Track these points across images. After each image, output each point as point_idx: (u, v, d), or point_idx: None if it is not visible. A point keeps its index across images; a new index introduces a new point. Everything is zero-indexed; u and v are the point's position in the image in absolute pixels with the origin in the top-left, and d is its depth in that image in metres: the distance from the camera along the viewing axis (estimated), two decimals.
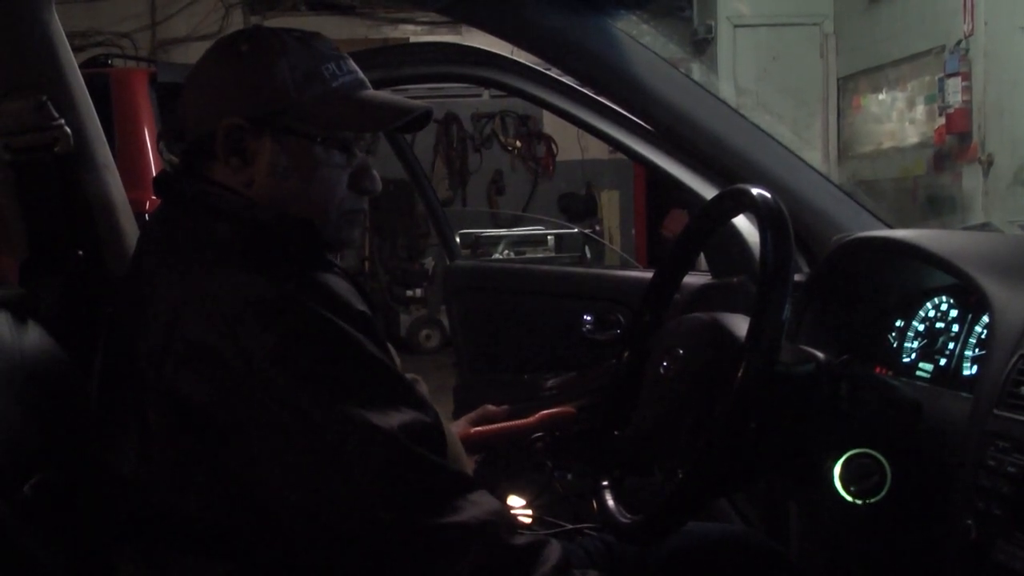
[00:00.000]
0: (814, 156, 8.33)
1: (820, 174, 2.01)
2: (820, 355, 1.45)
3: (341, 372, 1.25)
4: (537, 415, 1.79)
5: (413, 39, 9.20)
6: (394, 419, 1.24)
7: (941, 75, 7.74)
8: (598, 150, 9.04)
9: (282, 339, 1.24)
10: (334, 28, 9.53)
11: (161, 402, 1.26)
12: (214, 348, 1.24)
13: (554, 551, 1.27)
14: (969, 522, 1.24)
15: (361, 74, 1.45)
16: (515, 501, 1.75)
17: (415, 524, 1.22)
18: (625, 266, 8.08)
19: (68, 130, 1.60)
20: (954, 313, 1.65)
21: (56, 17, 1.70)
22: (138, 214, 1.80)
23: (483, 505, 1.25)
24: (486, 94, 9.58)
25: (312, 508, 1.23)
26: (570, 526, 1.69)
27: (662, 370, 1.53)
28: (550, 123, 9.64)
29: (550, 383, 2.14)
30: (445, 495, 1.24)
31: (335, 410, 1.22)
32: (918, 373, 1.67)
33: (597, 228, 9.68)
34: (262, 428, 1.23)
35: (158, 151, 1.60)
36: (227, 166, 1.39)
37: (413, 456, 1.24)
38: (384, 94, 1.47)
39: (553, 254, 8.14)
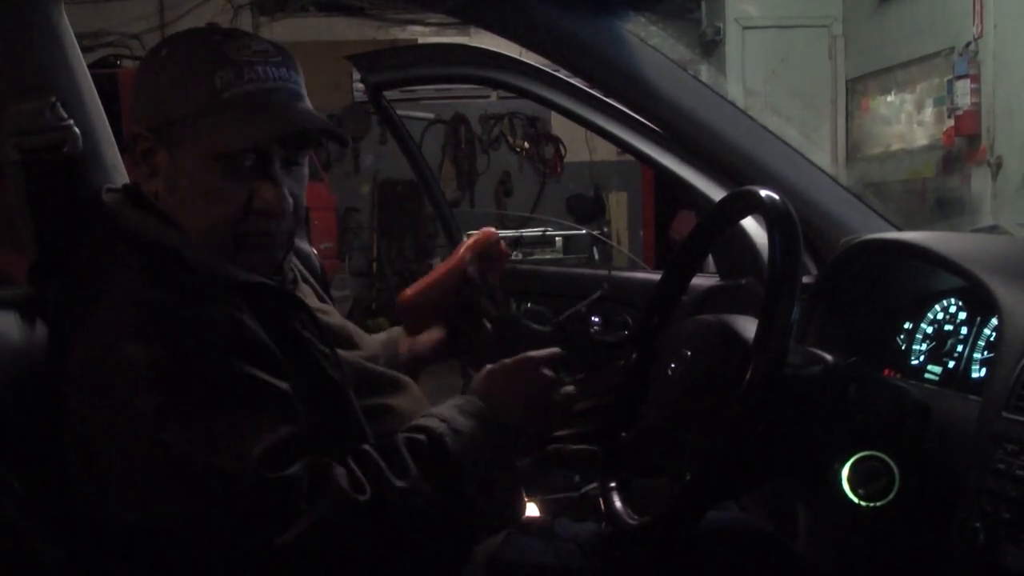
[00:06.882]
0: (822, 158, 8.32)
1: (828, 176, 2.01)
2: (828, 357, 1.44)
3: (200, 396, 1.24)
4: (462, 248, 1.78)
5: (422, 40, 9.21)
6: (259, 446, 1.23)
7: (950, 77, 7.73)
8: (606, 152, 9.04)
9: (143, 364, 1.24)
10: (343, 29, 9.54)
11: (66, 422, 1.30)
12: (91, 369, 1.26)
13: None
14: (977, 525, 1.24)
15: (279, 82, 1.38)
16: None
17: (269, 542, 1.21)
18: (633, 267, 8.08)
19: (77, 131, 1.60)
20: (963, 315, 1.65)
21: (65, 18, 1.70)
22: None
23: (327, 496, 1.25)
24: (494, 95, 9.59)
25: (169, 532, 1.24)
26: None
27: (670, 372, 1.53)
28: (558, 125, 9.65)
29: None
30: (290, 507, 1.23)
31: (192, 441, 1.22)
32: (926, 375, 1.67)
33: (605, 230, 9.68)
34: (123, 454, 1.24)
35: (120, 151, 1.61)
36: (143, 175, 1.41)
37: (268, 483, 1.22)
38: (291, 106, 1.40)
39: (561, 255, 8.14)
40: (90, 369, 1.27)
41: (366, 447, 1.35)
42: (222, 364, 1.26)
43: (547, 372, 1.51)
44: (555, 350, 1.55)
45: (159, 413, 1.22)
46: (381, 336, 1.81)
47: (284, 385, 1.31)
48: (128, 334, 1.26)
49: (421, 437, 1.36)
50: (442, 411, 1.43)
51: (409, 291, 1.70)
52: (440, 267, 1.75)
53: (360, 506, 1.26)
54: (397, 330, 1.83)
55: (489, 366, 1.52)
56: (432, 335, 1.77)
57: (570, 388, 1.53)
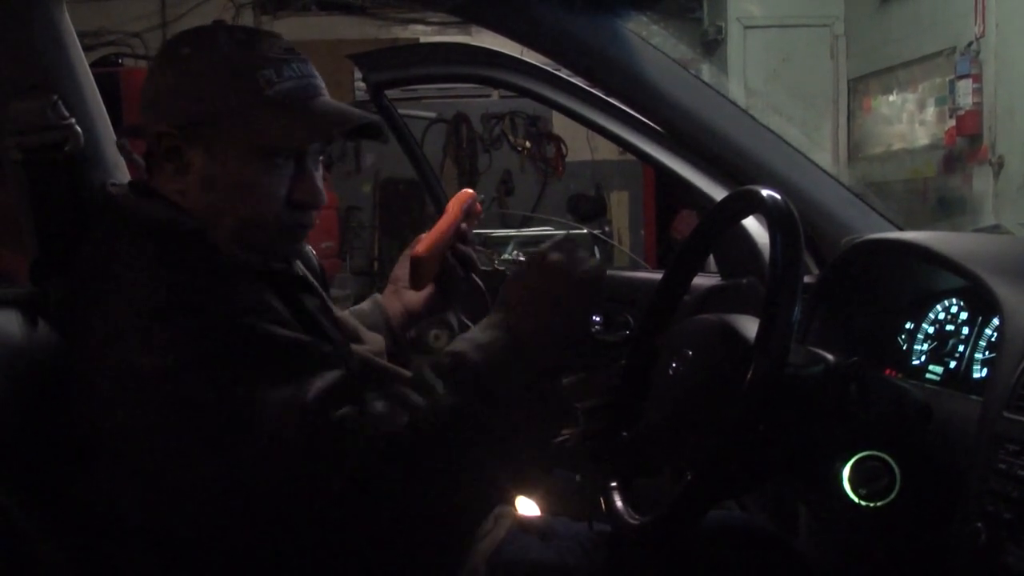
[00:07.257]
0: (824, 158, 8.32)
1: (830, 176, 2.01)
2: (829, 357, 1.44)
3: (243, 358, 1.25)
4: (454, 205, 1.79)
5: (423, 39, 9.21)
6: (310, 392, 1.24)
7: (952, 77, 7.71)
8: (608, 151, 9.04)
9: (178, 340, 1.24)
10: (345, 28, 9.54)
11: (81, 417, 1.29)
12: (119, 358, 1.25)
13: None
14: (978, 525, 1.24)
15: (310, 79, 1.42)
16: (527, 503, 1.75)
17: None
18: (634, 267, 8.08)
19: (78, 129, 1.61)
20: (964, 315, 1.65)
21: (67, 16, 1.70)
22: None
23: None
24: (496, 95, 9.57)
25: (234, 497, 1.24)
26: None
27: (671, 371, 1.52)
28: (560, 124, 9.63)
29: None
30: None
31: (241, 393, 1.22)
32: (928, 375, 1.67)
33: (606, 229, 9.67)
34: (177, 426, 1.24)
35: (118, 149, 1.63)
36: (165, 173, 1.40)
37: (327, 422, 1.24)
38: (328, 102, 1.43)
39: None
40: (113, 356, 1.26)
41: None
42: (256, 328, 1.27)
43: (556, 256, 1.45)
44: (562, 234, 1.54)
45: (194, 379, 1.22)
46: (364, 305, 1.83)
47: (320, 344, 1.33)
48: (156, 311, 1.25)
49: (445, 360, 1.36)
50: (467, 333, 1.43)
51: (420, 248, 1.72)
52: (440, 224, 1.78)
53: (400, 433, 1.26)
54: (377, 295, 1.86)
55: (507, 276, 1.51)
56: (423, 291, 1.80)
57: (593, 260, 1.47)
